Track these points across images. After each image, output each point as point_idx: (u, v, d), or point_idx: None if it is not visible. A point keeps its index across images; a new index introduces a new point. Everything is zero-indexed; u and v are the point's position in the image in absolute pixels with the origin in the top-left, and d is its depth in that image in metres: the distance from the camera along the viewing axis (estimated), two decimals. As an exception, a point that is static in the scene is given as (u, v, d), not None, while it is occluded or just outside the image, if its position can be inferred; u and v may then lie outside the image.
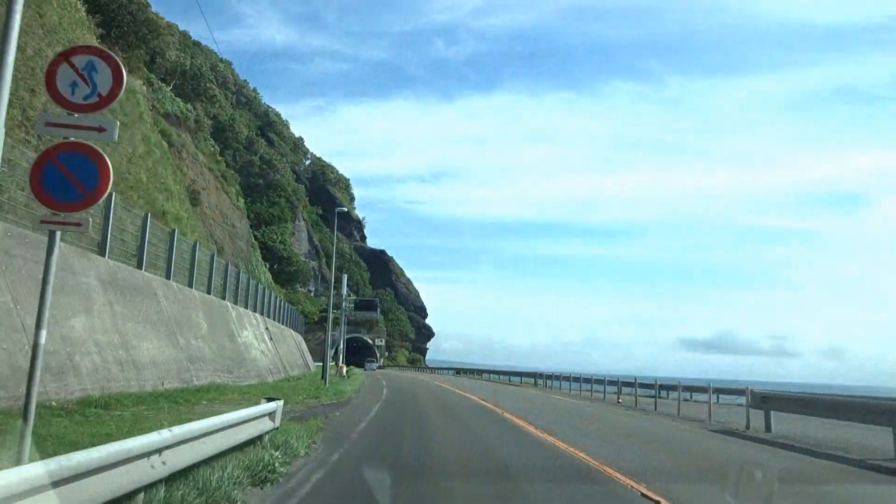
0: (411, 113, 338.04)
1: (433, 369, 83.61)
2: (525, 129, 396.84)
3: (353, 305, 64.42)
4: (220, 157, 73.28)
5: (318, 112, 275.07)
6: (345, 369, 35.62)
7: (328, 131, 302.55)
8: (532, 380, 49.45)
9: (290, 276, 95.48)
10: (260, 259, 78.45)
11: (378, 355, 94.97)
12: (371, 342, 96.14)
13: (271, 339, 29.80)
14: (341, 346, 37.81)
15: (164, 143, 39.55)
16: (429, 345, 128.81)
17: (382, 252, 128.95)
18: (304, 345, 61.97)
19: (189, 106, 67.59)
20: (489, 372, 68.95)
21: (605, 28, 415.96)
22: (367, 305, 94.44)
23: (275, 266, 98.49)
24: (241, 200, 72.42)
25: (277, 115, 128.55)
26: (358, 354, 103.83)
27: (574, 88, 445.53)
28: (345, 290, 35.36)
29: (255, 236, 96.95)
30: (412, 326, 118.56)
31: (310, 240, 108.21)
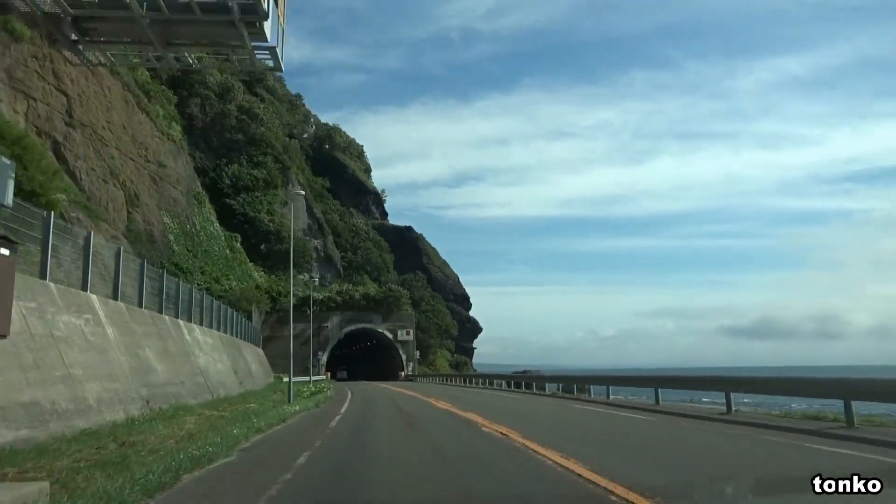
0: (431, 118, 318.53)
1: (487, 378, 43.53)
2: (546, 127, 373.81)
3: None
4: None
5: (338, 124, 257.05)
6: None
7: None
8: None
9: (281, 256, 69.25)
10: (214, 220, 52.61)
11: (405, 359, 63.40)
12: (390, 337, 63.90)
13: None
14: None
15: None
16: (475, 343, 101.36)
17: (408, 229, 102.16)
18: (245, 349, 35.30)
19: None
20: (555, 380, 35.18)
21: (619, 19, 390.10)
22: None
23: (261, 246, 72.86)
24: (177, 128, 46.92)
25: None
26: (363, 359, 74.79)
27: (592, 82, 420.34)
28: None
29: (232, 206, 71.67)
30: (453, 320, 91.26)
31: (309, 211, 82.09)
